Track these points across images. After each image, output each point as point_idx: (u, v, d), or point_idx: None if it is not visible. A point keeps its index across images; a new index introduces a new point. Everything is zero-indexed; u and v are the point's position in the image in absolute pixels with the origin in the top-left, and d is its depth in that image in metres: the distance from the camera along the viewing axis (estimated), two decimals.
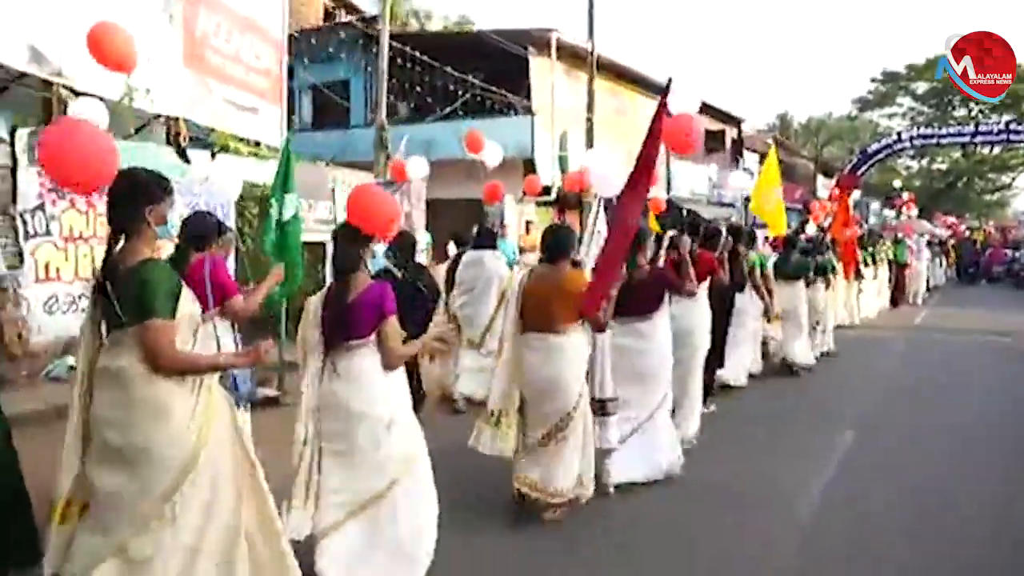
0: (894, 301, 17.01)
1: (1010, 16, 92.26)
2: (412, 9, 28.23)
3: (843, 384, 8.87)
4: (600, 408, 4.67)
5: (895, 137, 30.06)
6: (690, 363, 5.78)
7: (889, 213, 26.52)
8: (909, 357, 10.80)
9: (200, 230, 4.37)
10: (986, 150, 45.81)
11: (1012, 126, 28.21)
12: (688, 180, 22.57)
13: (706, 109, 23.94)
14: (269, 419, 5.12)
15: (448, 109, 17.39)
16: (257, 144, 11.47)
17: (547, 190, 15.95)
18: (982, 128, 28.57)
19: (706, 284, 6.12)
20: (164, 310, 2.59)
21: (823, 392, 8.40)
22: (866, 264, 14.52)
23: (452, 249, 13.73)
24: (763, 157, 29.18)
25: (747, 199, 23.77)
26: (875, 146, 29.70)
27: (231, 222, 8.46)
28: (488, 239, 7.30)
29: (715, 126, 24.59)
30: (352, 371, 3.38)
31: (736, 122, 26.42)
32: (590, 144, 15.15)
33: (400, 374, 3.51)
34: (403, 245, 5.67)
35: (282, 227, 6.32)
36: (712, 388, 6.93)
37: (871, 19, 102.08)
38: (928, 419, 7.12)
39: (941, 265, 24.94)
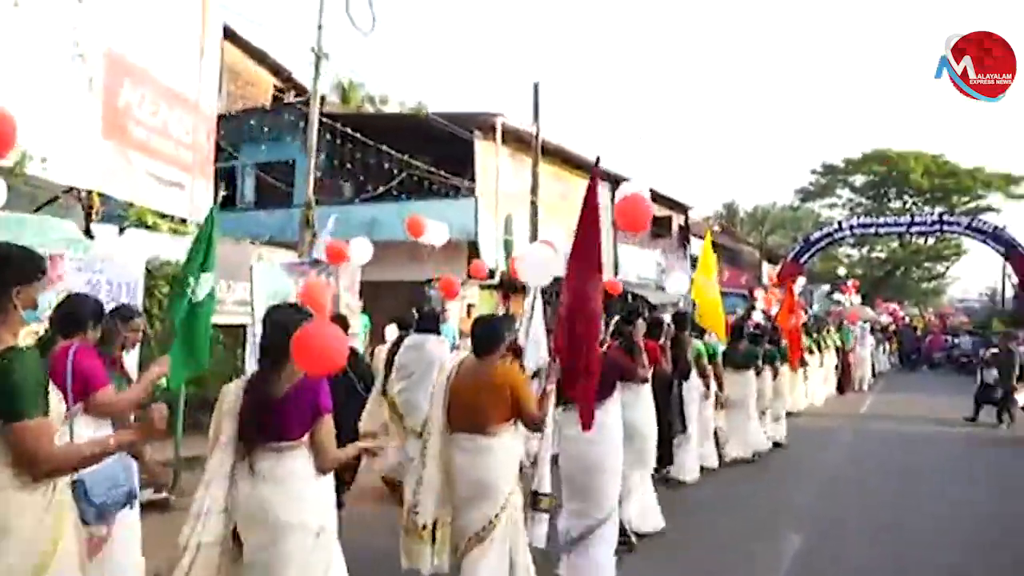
0: (840, 387, 16.83)
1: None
2: (368, 95, 28.37)
3: (792, 480, 8.45)
4: (533, 502, 4.32)
5: (836, 226, 30.88)
6: (641, 456, 5.44)
7: (841, 298, 26.79)
8: (856, 449, 10.44)
9: (72, 313, 3.79)
10: (921, 240, 47.63)
11: (945, 217, 29.27)
12: (635, 265, 22.52)
13: (653, 196, 24.21)
14: (161, 525, 4.39)
15: (388, 190, 17.14)
16: (183, 221, 10.92)
17: (491, 274, 15.61)
18: (917, 219, 29.55)
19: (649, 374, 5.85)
20: (36, 407, 2.24)
21: (772, 488, 8.00)
22: (811, 351, 14.33)
23: (392, 332, 13.29)
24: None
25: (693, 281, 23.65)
26: (817, 234, 30.42)
27: (139, 302, 7.78)
28: (430, 322, 6.88)
29: (662, 212, 24.80)
30: (279, 475, 3.00)
31: (683, 209, 26.76)
32: (534, 227, 14.94)
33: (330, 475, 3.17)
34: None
35: (193, 307, 5.70)
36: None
37: (814, 112, 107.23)
38: (876, 517, 6.66)
39: (885, 352, 25.11)
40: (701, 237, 29.83)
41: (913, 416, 13.62)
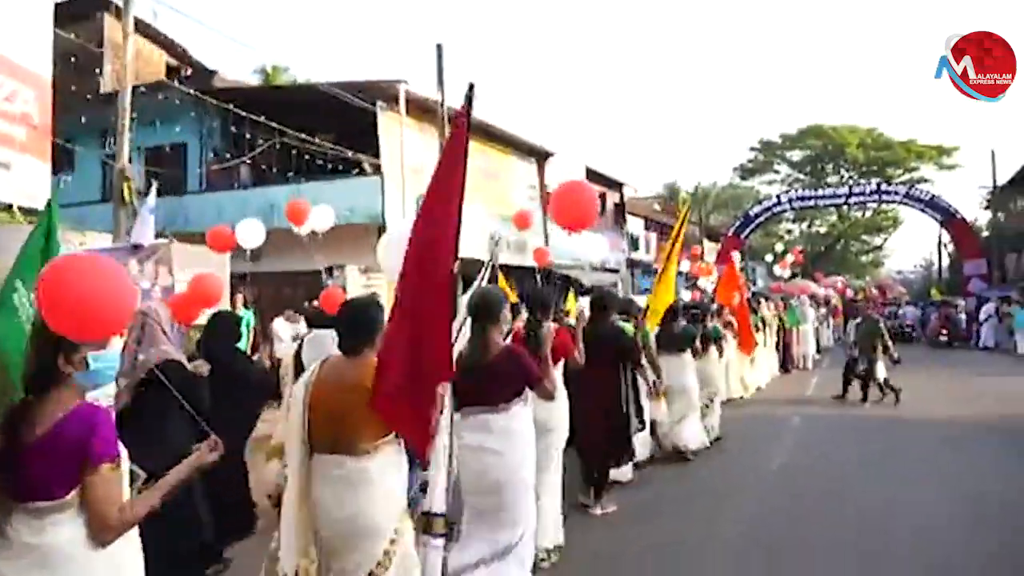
0: (784, 367, 15.57)
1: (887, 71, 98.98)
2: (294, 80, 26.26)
3: (735, 479, 7.04)
4: (425, 525, 3.66)
5: (775, 200, 29.91)
6: (544, 460, 4.57)
7: (779, 271, 25.74)
8: (804, 438, 9.04)
9: None
10: (859, 213, 47.62)
11: (883, 187, 28.52)
12: (567, 244, 20.98)
13: (586, 173, 22.68)
14: None
15: (287, 171, 15.25)
16: (8, 208, 8.99)
17: None
18: (856, 190, 28.73)
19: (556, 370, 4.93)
20: None
21: (711, 486, 6.72)
22: (757, 329, 13.00)
23: (282, 328, 11.50)
24: (648, 222, 28.32)
25: (631, 262, 22.24)
26: (756, 209, 29.41)
27: None
28: (330, 317, 5.51)
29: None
30: (35, 550, 2.18)
31: (618, 186, 25.32)
32: None
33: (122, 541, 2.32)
34: (218, 329, 4.88)
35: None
36: (603, 485, 5.89)
37: (751, 90, 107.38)
38: (839, 531, 5.19)
39: (829, 326, 24.09)
40: (638, 215, 28.55)
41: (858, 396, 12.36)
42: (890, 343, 11.49)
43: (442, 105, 13.15)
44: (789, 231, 50.23)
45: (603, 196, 23.54)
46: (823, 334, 22.47)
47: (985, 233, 31.90)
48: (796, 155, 48.20)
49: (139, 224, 7.05)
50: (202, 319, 5.79)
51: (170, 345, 4.00)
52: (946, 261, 47.99)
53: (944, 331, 24.24)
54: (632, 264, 25.07)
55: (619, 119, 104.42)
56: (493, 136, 18.00)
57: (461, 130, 3.31)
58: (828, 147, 45.83)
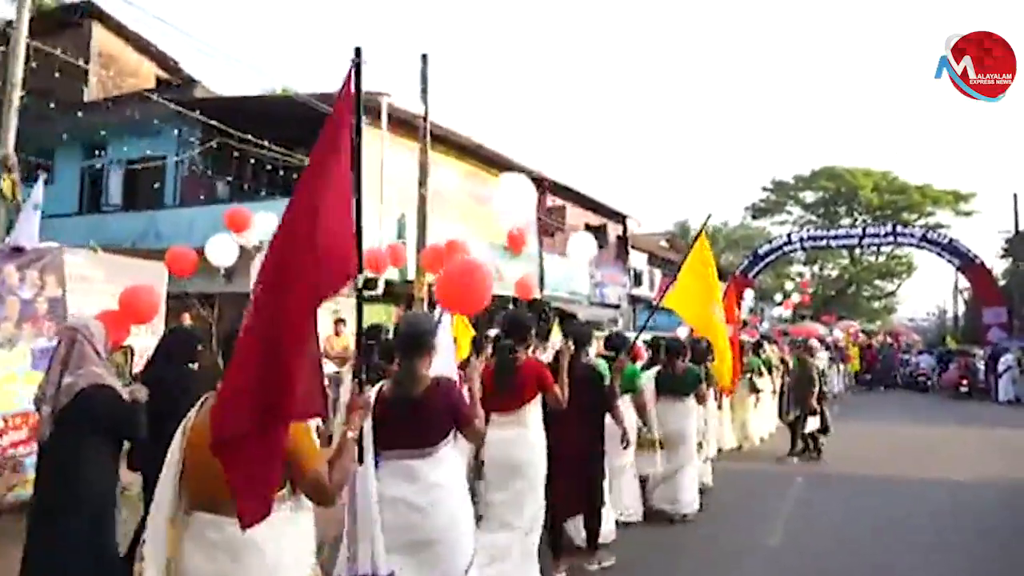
0: (786, 412, 14.13)
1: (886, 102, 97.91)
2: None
3: (725, 555, 5.75)
4: None
5: (786, 239, 28.64)
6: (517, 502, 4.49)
7: (783, 313, 24.40)
8: (807, 506, 7.66)
9: None
10: (872, 258, 46.23)
11: (898, 228, 27.21)
12: (564, 278, 19.73)
13: (588, 203, 21.56)
14: None
15: (264, 187, 14.22)
16: None
17: (371, 283, 12.72)
18: (870, 231, 27.43)
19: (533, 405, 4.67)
20: None
21: (700, 560, 5.53)
22: (760, 373, 11.69)
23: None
24: (652, 257, 27.10)
25: (633, 298, 20.93)
26: (766, 248, 28.14)
27: None
28: None
29: (597, 221, 22.17)
30: None
31: (621, 219, 24.11)
32: (422, 225, 12.12)
33: None
34: (170, 348, 4.38)
35: None
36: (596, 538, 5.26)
37: (765, 131, 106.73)
38: None
39: (839, 372, 22.61)
40: (643, 250, 27.33)
41: (872, 450, 10.98)
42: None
43: (425, 119, 12.08)
44: (800, 274, 48.85)
45: (603, 228, 22.37)
46: (832, 381, 21.00)
47: (1002, 282, 30.46)
48: (809, 196, 47.06)
49: (22, 223, 5.91)
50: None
51: (103, 367, 3.56)
52: (961, 309, 46.53)
53: (964, 382, 22.61)
54: (634, 300, 23.80)
55: (631, 155, 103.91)
56: (485, 159, 16.93)
57: (343, 111, 2.71)
58: (841, 189, 44.66)
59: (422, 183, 12.00)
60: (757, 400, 11.25)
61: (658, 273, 28.99)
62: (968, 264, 24.85)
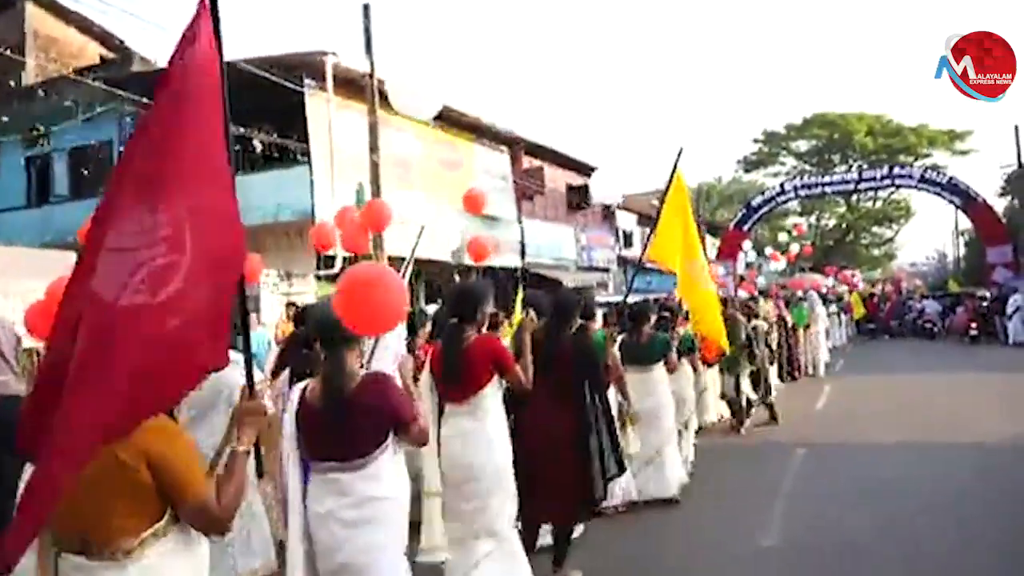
0: (791, 374, 13.12)
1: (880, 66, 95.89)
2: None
3: (707, 561, 4.71)
4: None
5: (779, 189, 27.42)
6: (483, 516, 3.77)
7: (776, 266, 23.26)
8: (809, 485, 6.60)
9: None
10: (869, 203, 45.01)
11: (895, 170, 25.96)
12: (547, 243, 18.58)
13: (568, 163, 20.33)
14: None
15: None
16: None
17: (330, 260, 11.62)
18: (866, 175, 26.22)
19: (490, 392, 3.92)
20: None
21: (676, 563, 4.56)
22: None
23: None
24: (641, 217, 25.90)
25: (623, 259, 19.79)
26: (759, 199, 26.95)
27: None
28: None
29: (578, 181, 20.89)
30: None
31: (587, 171, 22.73)
32: (377, 195, 10.97)
33: None
34: None
35: None
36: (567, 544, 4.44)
37: (757, 82, 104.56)
38: None
39: (841, 323, 21.56)
40: (631, 211, 26.09)
41: (882, 411, 9.92)
42: (760, 352, 9.16)
43: (371, 77, 10.85)
44: (796, 225, 47.71)
45: (586, 189, 21.05)
46: (835, 333, 19.98)
47: (1002, 220, 29.23)
48: (802, 146, 45.64)
49: None
50: None
51: (10, 375, 3.02)
52: (962, 251, 45.40)
53: (973, 325, 21.38)
54: (624, 262, 22.64)
55: (617, 114, 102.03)
56: (453, 122, 15.71)
57: (201, 40, 2.01)
58: (835, 136, 43.24)
59: (373, 148, 10.82)
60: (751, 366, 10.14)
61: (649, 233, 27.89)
62: (969, 202, 23.65)
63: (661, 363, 6.24)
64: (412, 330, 5.76)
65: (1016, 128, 24.47)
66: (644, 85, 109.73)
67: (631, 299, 6.92)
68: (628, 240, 24.27)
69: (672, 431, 6.27)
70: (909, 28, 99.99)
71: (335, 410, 2.84)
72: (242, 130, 11.91)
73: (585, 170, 21.09)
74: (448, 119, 15.57)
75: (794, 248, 22.84)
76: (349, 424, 2.84)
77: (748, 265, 29.98)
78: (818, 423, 9.35)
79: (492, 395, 3.94)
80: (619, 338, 6.15)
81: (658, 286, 21.15)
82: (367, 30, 10.54)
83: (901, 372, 14.33)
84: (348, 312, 3.70)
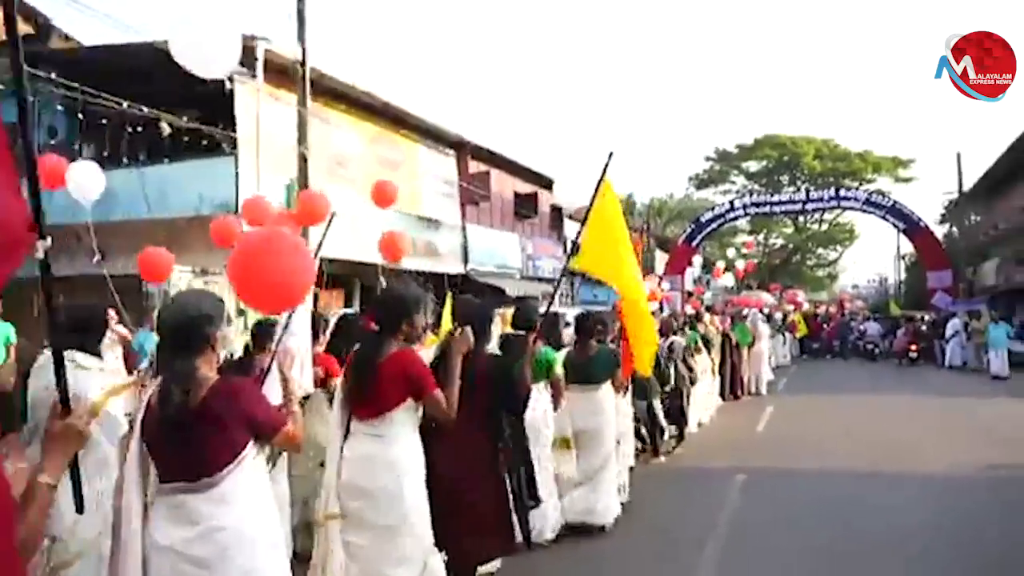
0: (733, 392, 12.73)
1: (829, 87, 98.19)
2: None
3: None
4: None
5: (728, 206, 27.35)
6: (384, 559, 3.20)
7: (718, 282, 23.10)
8: (749, 513, 6.09)
9: None
10: (815, 225, 45.82)
11: (842, 192, 26.13)
12: (491, 251, 17.96)
13: (516, 169, 19.79)
14: None
15: (128, 152, 12.08)
16: None
17: None
18: (813, 195, 26.32)
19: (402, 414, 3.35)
20: None
21: None
22: (697, 350, 10.19)
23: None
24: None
25: (566, 272, 19.33)
26: (709, 215, 26.81)
27: None
28: (83, 329, 3.65)
29: (527, 188, 20.35)
30: None
31: (552, 185, 22.33)
32: (304, 188, 10.20)
33: None
34: None
35: None
36: None
37: (710, 103, 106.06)
38: None
39: (785, 342, 21.43)
40: (579, 220, 25.63)
41: (827, 433, 9.55)
42: (672, 372, 8.59)
43: (303, 65, 10.09)
44: (746, 242, 48.37)
45: (533, 196, 20.57)
46: (778, 352, 19.80)
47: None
48: (752, 166, 46.36)
49: None
50: None
51: None
52: (902, 275, 46.44)
53: (912, 348, 21.68)
54: (571, 273, 22.18)
55: (575, 126, 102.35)
56: (395, 119, 15.01)
57: None
58: (784, 158, 44.06)
59: (301, 140, 10.06)
60: (690, 381, 9.65)
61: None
62: (913, 227, 23.87)
63: (608, 381, 5.69)
64: (314, 337, 5.13)
65: (958, 155, 24.88)
66: (601, 98, 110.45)
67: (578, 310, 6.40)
68: (576, 250, 23.81)
69: (611, 454, 5.72)
70: (859, 53, 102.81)
71: (177, 423, 2.40)
72: (161, 115, 11.01)
73: (535, 178, 20.57)
74: (388, 116, 14.87)
75: (740, 264, 22.66)
76: (192, 439, 2.40)
77: (696, 281, 29.89)
78: (759, 447, 8.89)
79: (404, 420, 3.36)
80: (563, 353, 5.63)
81: (606, 298, 20.77)
82: (300, 13, 9.80)
83: (843, 393, 14.11)
84: (242, 284, 3.14)
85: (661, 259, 33.09)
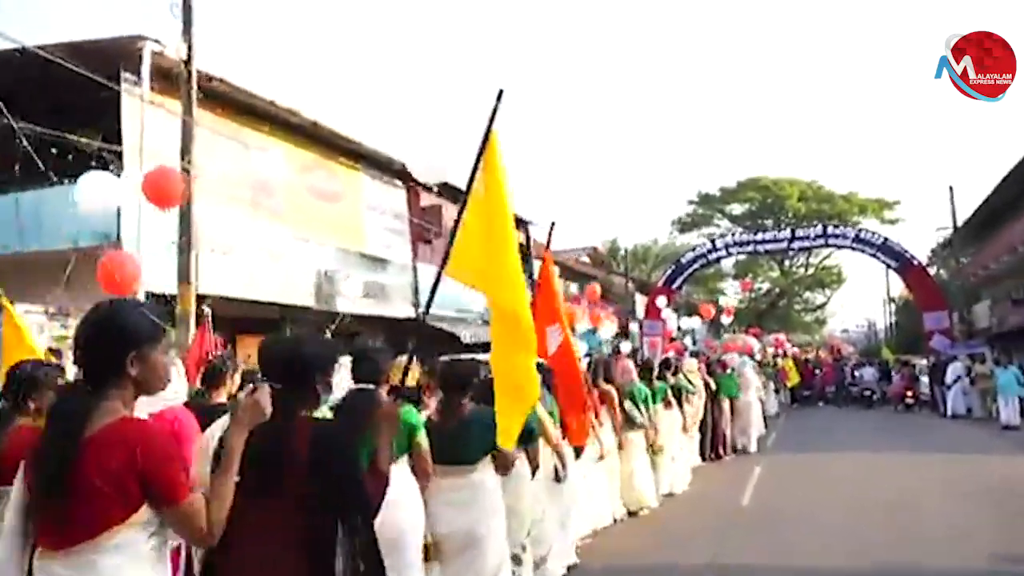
0: (715, 450, 10.78)
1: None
2: None
3: None
4: None
5: (710, 245, 25.70)
6: None
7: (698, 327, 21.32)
8: None
9: None
10: (802, 269, 44.43)
11: (829, 229, 24.52)
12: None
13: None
14: None
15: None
16: None
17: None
18: (799, 233, 24.67)
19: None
20: None
21: None
22: (668, 404, 8.31)
23: None
24: (564, 270, 23.73)
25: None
26: (690, 256, 25.11)
27: None
28: None
29: None
30: None
31: (522, 225, 20.57)
32: (187, 220, 8.40)
33: None
34: None
35: None
36: None
37: (692, 145, 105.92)
38: None
39: (776, 390, 19.54)
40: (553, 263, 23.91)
41: (820, 511, 7.60)
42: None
43: (188, 64, 8.35)
44: (744, 281, 46.83)
45: None
46: (769, 400, 17.88)
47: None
48: (736, 209, 45.15)
49: None
50: None
51: None
52: (891, 318, 44.93)
53: (909, 393, 20.10)
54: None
55: (557, 172, 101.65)
56: (333, 144, 13.30)
57: None
58: (768, 200, 42.91)
59: (184, 154, 8.27)
60: (653, 449, 7.65)
61: (574, 287, 25.72)
62: (905, 266, 22.19)
63: (488, 459, 3.81)
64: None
65: (951, 189, 23.45)
66: (583, 141, 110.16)
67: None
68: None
69: (501, 568, 3.79)
70: (842, 93, 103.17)
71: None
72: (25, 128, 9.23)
73: None
74: (324, 141, 13.16)
75: (728, 301, 20.78)
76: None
77: (679, 329, 28.12)
78: (744, 527, 6.91)
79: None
80: (422, 418, 3.71)
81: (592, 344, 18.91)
82: (186, 3, 8.12)
83: (841, 450, 12.08)
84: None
85: (640, 302, 31.42)
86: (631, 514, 7.15)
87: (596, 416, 6.60)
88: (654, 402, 7.85)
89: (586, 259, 33.03)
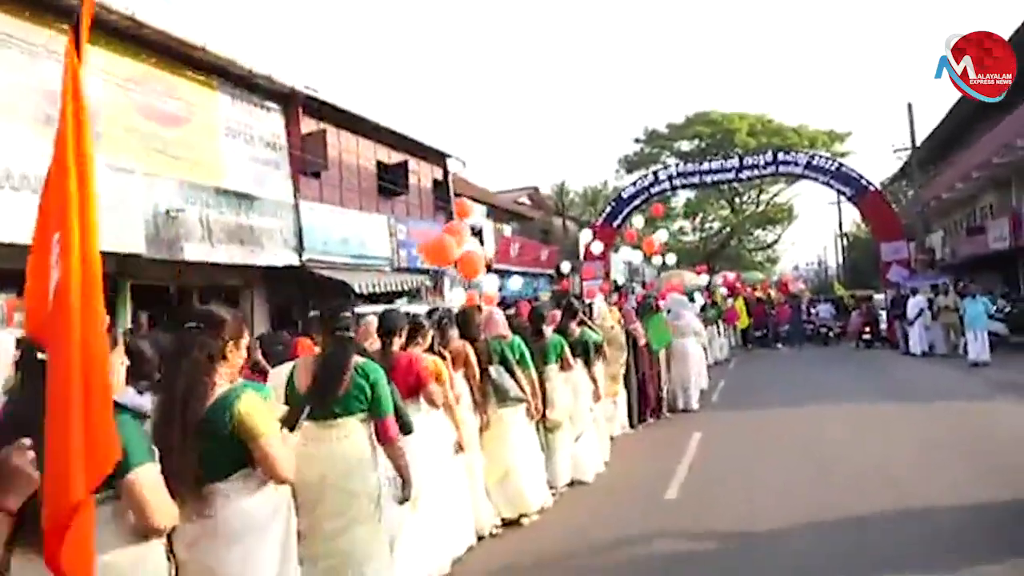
0: (642, 416, 8.69)
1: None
2: None
3: None
4: None
5: (653, 178, 23.54)
6: None
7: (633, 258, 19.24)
8: None
9: None
10: (752, 206, 42.88)
11: (780, 156, 22.48)
12: (344, 237, 13.57)
13: (378, 134, 15.47)
14: None
15: None
16: None
17: None
18: (748, 162, 22.57)
19: None
20: None
21: None
22: (566, 363, 6.10)
23: None
24: (493, 210, 21.26)
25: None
26: (631, 190, 22.92)
27: None
28: None
29: (395, 157, 15.97)
30: None
31: (440, 158, 17.98)
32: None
33: None
34: None
35: None
36: None
37: (639, 82, 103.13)
38: None
39: (722, 333, 17.66)
40: (480, 200, 21.51)
41: (770, 491, 5.55)
42: None
43: None
44: (681, 228, 45.26)
45: (404, 167, 16.12)
46: (714, 344, 15.97)
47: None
48: (684, 145, 43.08)
49: None
50: None
51: None
52: (843, 255, 43.87)
53: (867, 330, 18.64)
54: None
55: (504, 111, 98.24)
56: (171, 52, 10.55)
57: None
58: (717, 135, 40.92)
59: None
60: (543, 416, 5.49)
61: (507, 229, 23.38)
62: (860, 192, 20.35)
63: None
64: None
65: (909, 106, 21.46)
66: (533, 81, 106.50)
67: None
68: (474, 235, 19.63)
69: None
70: (790, 29, 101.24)
71: None
72: None
73: (404, 144, 16.22)
74: (159, 48, 10.42)
75: (660, 236, 18.47)
76: None
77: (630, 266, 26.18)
78: (669, 532, 4.78)
79: None
80: None
81: (510, 292, 16.69)
82: None
83: (796, 404, 10.08)
84: None
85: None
86: (507, 523, 4.97)
87: (452, 387, 4.40)
88: (546, 362, 5.65)
89: (527, 200, 30.66)
